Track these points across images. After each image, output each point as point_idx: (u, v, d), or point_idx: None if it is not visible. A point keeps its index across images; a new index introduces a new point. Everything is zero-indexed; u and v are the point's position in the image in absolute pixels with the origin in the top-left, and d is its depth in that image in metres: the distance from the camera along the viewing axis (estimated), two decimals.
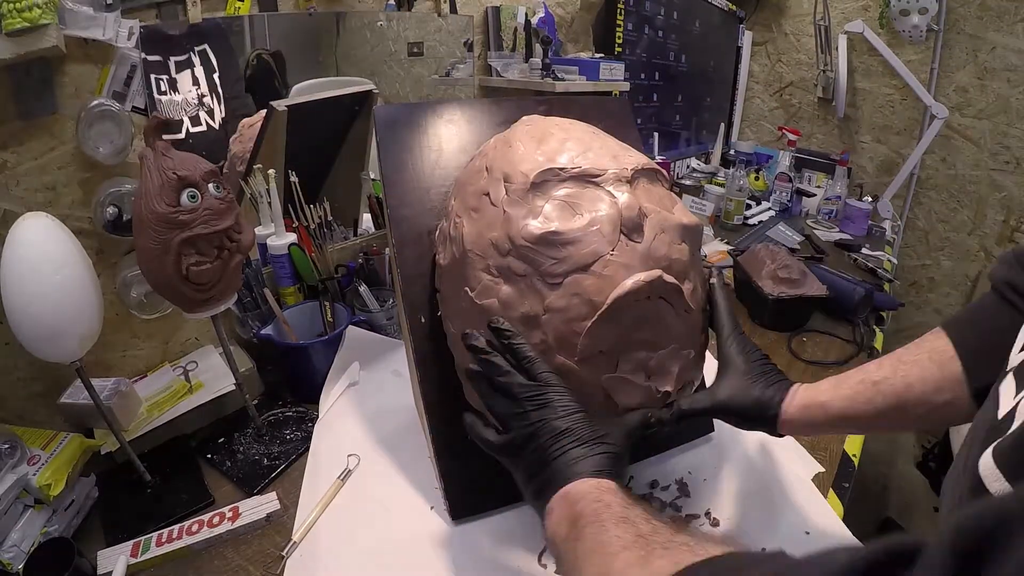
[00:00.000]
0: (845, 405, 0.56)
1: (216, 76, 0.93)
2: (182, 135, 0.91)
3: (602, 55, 1.54)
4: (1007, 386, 0.39)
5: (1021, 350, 0.40)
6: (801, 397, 0.58)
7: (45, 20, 0.66)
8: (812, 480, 0.73)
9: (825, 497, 0.71)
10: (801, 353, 1.06)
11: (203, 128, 0.94)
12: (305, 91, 1.08)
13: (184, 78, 0.89)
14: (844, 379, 0.57)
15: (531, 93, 1.33)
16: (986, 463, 0.33)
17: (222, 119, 0.97)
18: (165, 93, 0.87)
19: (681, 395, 0.62)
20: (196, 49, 0.90)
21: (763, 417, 0.58)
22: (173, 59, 0.87)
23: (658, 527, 0.40)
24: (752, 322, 1.16)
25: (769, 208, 1.95)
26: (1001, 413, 0.37)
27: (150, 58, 0.83)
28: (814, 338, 1.12)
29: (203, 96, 0.93)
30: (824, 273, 1.23)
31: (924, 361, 0.53)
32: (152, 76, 0.84)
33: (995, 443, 0.34)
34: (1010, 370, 0.40)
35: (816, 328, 1.14)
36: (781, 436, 0.60)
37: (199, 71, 0.91)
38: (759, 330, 1.14)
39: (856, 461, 0.79)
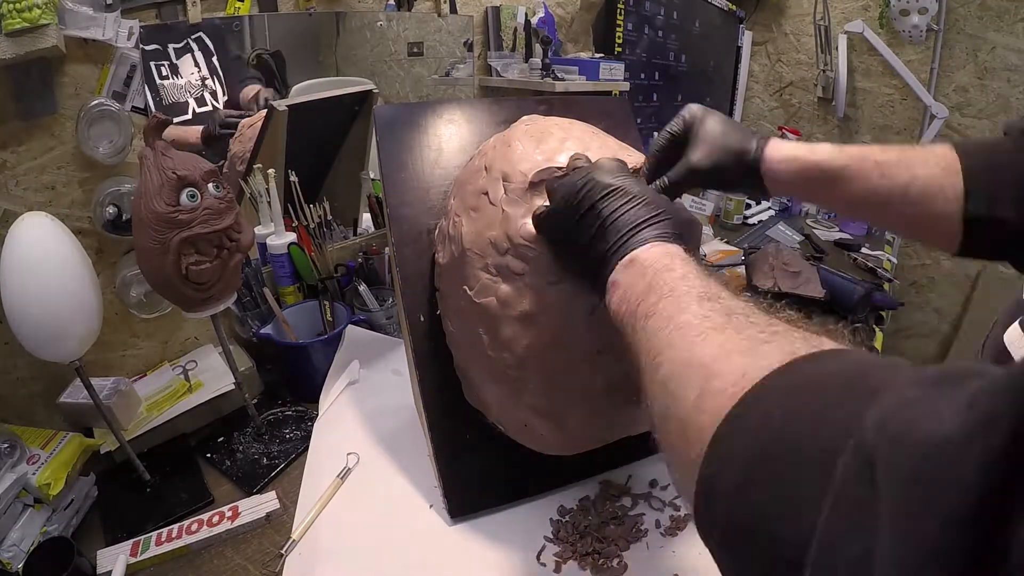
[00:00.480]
0: (841, 165, 0.51)
1: (215, 59, 0.95)
2: (189, 115, 0.93)
3: (602, 55, 1.54)
4: None
5: None
6: (788, 149, 0.53)
7: (45, 20, 0.67)
8: None
9: None
10: None
11: (208, 108, 0.96)
12: (305, 91, 1.08)
13: (185, 63, 0.91)
14: (844, 147, 0.53)
15: (531, 93, 1.33)
16: (1013, 333, 0.33)
17: (225, 100, 0.98)
18: (167, 78, 0.88)
19: None
20: (192, 37, 0.92)
21: (743, 166, 0.53)
22: (172, 46, 0.89)
23: (750, 307, 0.34)
24: None
25: (769, 208, 1.95)
26: None
27: (148, 47, 0.85)
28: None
29: (204, 78, 0.94)
30: (824, 272, 1.23)
31: (932, 162, 0.50)
32: (152, 63, 0.86)
33: (1021, 318, 0.34)
34: None
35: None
36: (767, 197, 0.54)
37: (199, 55, 0.93)
38: None
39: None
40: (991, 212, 0.47)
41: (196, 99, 0.94)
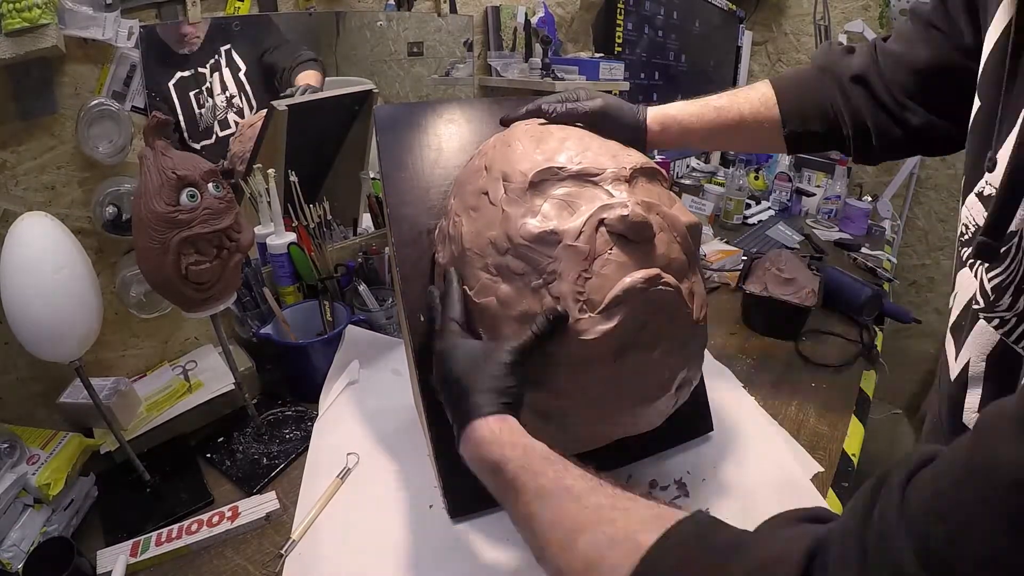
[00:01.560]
0: (692, 119, 0.71)
1: (242, 74, 0.94)
2: (212, 141, 0.93)
3: (602, 55, 1.54)
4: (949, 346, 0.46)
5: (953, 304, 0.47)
6: (654, 113, 0.71)
7: (45, 20, 0.67)
8: (811, 480, 0.73)
9: (824, 497, 0.71)
10: (803, 351, 1.05)
11: (232, 130, 0.96)
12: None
13: (215, 82, 0.90)
14: (689, 103, 0.72)
15: (531, 93, 1.33)
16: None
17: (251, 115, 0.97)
18: (204, 106, 0.88)
19: (681, 398, 0.62)
20: (223, 49, 0.90)
21: (633, 125, 0.69)
22: (208, 64, 0.88)
23: (600, 489, 0.39)
24: (743, 324, 1.15)
25: (769, 208, 1.95)
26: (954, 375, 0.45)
27: (184, 73, 0.84)
28: (813, 336, 1.11)
29: (232, 97, 0.93)
30: (832, 272, 1.22)
31: (755, 101, 0.70)
32: (190, 94, 0.85)
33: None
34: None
35: (817, 328, 1.13)
36: (641, 147, 0.68)
37: (226, 72, 0.92)
38: (754, 335, 1.12)
39: (856, 461, 0.79)
40: (804, 128, 0.68)
41: (220, 122, 0.93)
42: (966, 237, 0.46)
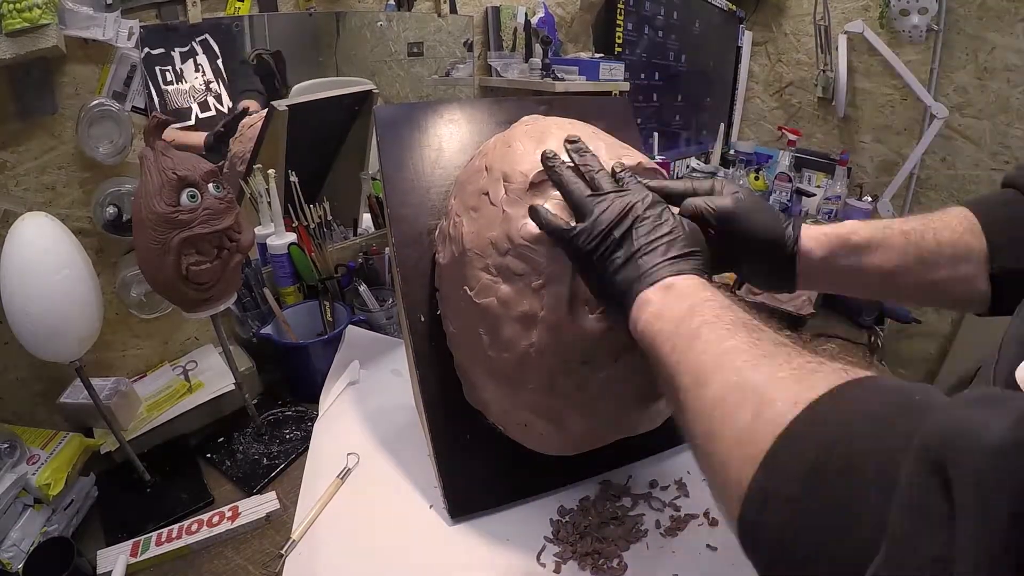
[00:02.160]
0: (868, 236, 0.52)
1: (219, 62, 0.95)
2: (192, 121, 0.93)
3: (602, 55, 1.54)
4: None
5: None
6: (812, 231, 0.53)
7: (45, 20, 0.67)
8: None
9: None
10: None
11: (212, 113, 0.96)
12: (305, 91, 1.08)
13: (188, 67, 0.91)
14: (866, 222, 0.54)
15: (531, 93, 1.33)
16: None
17: (230, 105, 0.98)
18: (171, 83, 0.88)
19: None
20: (197, 39, 0.91)
21: (779, 239, 0.52)
22: (177, 50, 0.89)
23: (794, 342, 0.36)
24: None
25: None
26: None
27: (154, 51, 0.85)
28: (816, 340, 1.10)
29: (209, 82, 0.94)
30: None
31: (953, 225, 0.52)
32: (157, 68, 0.86)
33: None
34: None
35: (819, 330, 1.13)
36: (794, 290, 0.54)
37: (202, 59, 0.93)
38: None
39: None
40: (1017, 265, 0.49)
41: (200, 104, 0.94)
42: None
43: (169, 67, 0.87)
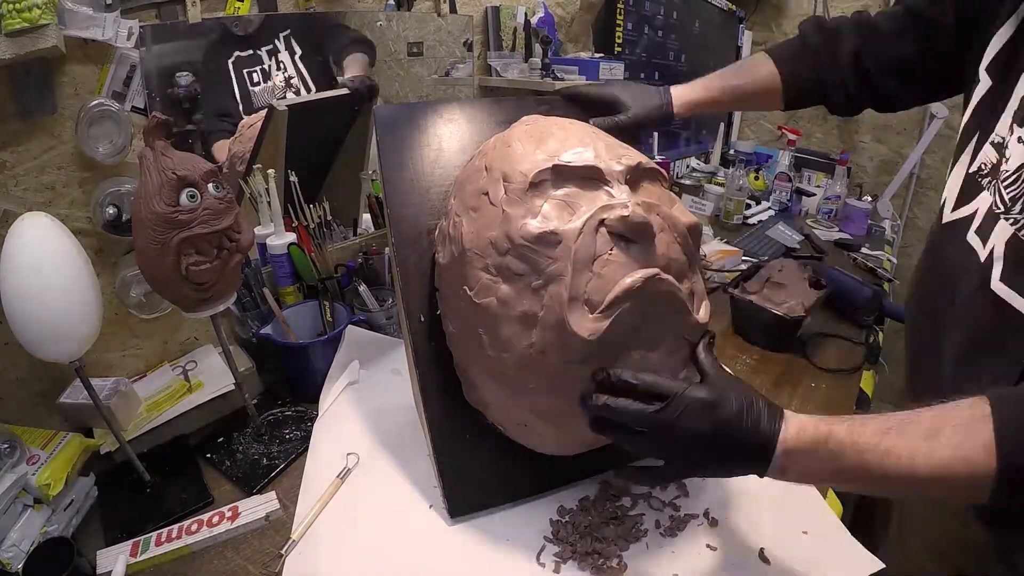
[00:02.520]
0: (710, 101, 0.87)
1: (298, 57, 0.99)
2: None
3: (602, 55, 1.54)
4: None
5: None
6: (680, 97, 0.85)
7: (45, 20, 0.67)
8: None
9: (824, 497, 0.71)
10: (811, 357, 1.03)
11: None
12: None
13: (272, 64, 0.95)
14: (708, 83, 0.89)
15: (531, 93, 1.33)
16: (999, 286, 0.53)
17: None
18: (258, 84, 0.92)
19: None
20: (281, 35, 0.96)
21: (658, 118, 0.82)
22: (264, 49, 0.93)
23: (909, 415, 0.47)
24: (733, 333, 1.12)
25: (769, 208, 1.95)
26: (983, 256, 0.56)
27: (243, 54, 0.89)
28: (816, 339, 1.10)
29: (290, 78, 0.98)
30: (833, 272, 1.21)
31: (763, 78, 0.84)
32: (245, 71, 0.90)
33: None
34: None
35: (819, 330, 1.12)
36: (669, 126, 0.80)
37: (284, 56, 0.97)
38: (746, 345, 1.08)
39: None
40: (801, 99, 0.84)
41: (279, 100, 0.97)
42: (986, 170, 0.58)
43: (258, 67, 0.92)
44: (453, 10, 1.27)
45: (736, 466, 0.51)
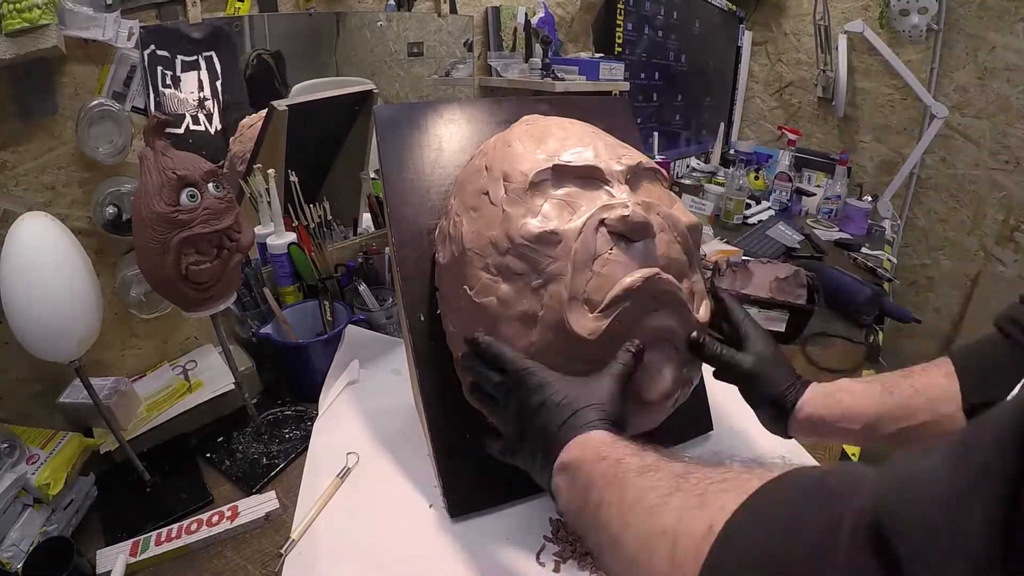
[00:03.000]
0: (857, 399, 0.56)
1: (219, 83, 0.95)
2: (181, 130, 0.92)
3: (602, 55, 1.54)
4: None
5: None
6: (815, 406, 0.57)
7: (45, 20, 0.67)
8: None
9: None
10: (811, 356, 1.03)
11: (201, 128, 0.95)
12: (305, 91, 1.08)
13: (189, 79, 0.91)
14: (854, 380, 0.59)
15: (531, 93, 1.33)
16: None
17: (219, 127, 0.98)
18: (168, 87, 0.88)
19: (681, 397, 0.62)
20: (204, 55, 0.91)
21: (778, 401, 0.58)
22: (181, 58, 0.89)
23: (695, 465, 0.35)
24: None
25: (769, 207, 1.95)
26: None
27: (159, 52, 0.85)
28: (816, 339, 1.10)
29: (204, 99, 0.94)
30: (833, 272, 1.22)
31: (932, 372, 0.55)
32: (159, 68, 0.86)
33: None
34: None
35: (820, 330, 1.12)
36: (788, 437, 0.59)
37: (204, 75, 0.93)
38: None
39: (856, 461, 0.79)
40: (987, 397, 0.50)
41: (192, 117, 0.93)
42: None
43: (170, 72, 0.88)
44: (453, 10, 1.27)
45: (534, 463, 0.47)
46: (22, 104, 0.73)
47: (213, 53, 0.92)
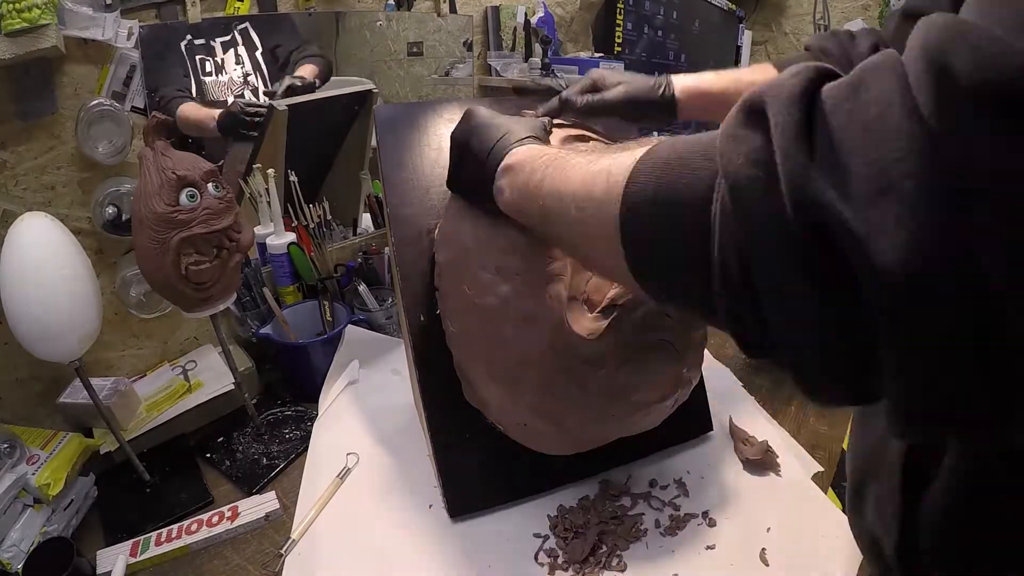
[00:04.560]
0: (721, 92, 0.71)
1: (258, 54, 0.96)
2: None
3: (602, 55, 1.54)
4: None
5: None
6: (683, 82, 0.73)
7: (44, 20, 0.67)
8: (811, 479, 0.73)
9: (825, 493, 0.70)
10: None
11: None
12: None
13: (229, 58, 0.92)
14: (719, 76, 0.74)
15: (530, 93, 1.33)
16: None
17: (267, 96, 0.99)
18: (210, 75, 0.90)
19: (681, 397, 0.63)
20: (238, 28, 0.92)
21: (657, 101, 0.71)
22: (219, 40, 0.90)
23: (600, 146, 0.46)
24: None
25: None
26: None
27: (196, 41, 0.86)
28: None
29: (247, 74, 0.95)
30: None
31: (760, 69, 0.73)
32: (198, 58, 0.87)
33: None
34: None
35: None
36: (674, 119, 0.72)
37: (242, 50, 0.94)
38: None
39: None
40: None
41: (237, 97, 0.95)
42: None
43: (211, 58, 0.89)
44: (453, 10, 1.27)
45: (475, 177, 0.54)
46: (22, 104, 0.73)
47: (248, 24, 0.93)
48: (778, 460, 0.74)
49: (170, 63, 0.87)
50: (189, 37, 0.85)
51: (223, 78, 0.90)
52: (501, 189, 0.50)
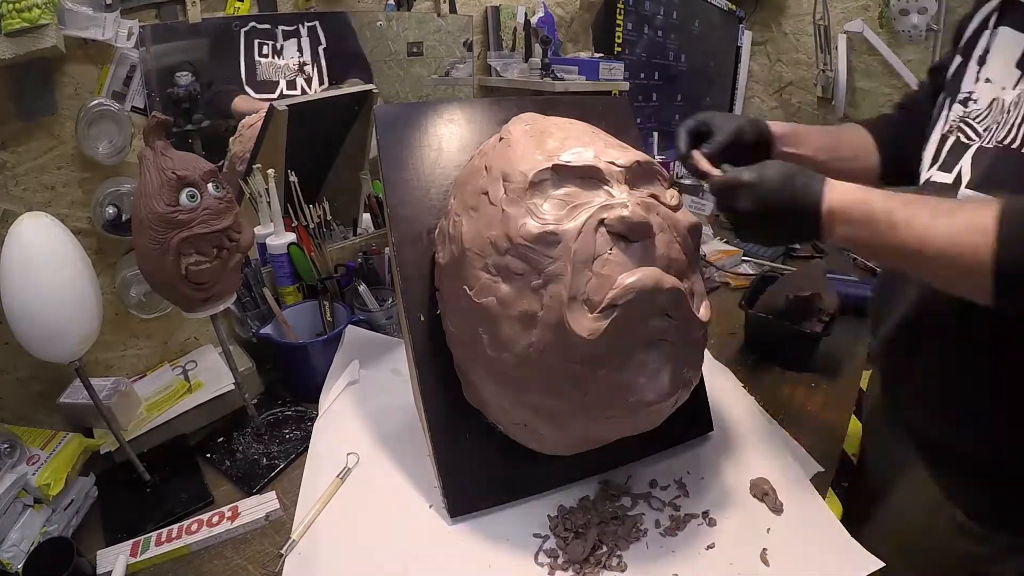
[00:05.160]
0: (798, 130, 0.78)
1: (322, 49, 1.01)
2: (275, 95, 0.98)
3: (602, 55, 1.54)
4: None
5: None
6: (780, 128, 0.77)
7: (45, 20, 0.67)
8: (811, 480, 0.73)
9: (824, 497, 0.71)
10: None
11: (296, 92, 1.01)
12: None
13: (290, 46, 0.97)
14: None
15: (530, 93, 1.33)
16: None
17: (322, 88, 1.04)
18: (266, 56, 0.94)
19: (681, 397, 0.62)
20: (307, 24, 0.98)
21: (749, 124, 0.73)
22: (282, 27, 0.94)
23: (931, 198, 0.53)
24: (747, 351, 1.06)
25: None
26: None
27: (258, 26, 0.90)
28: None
29: (304, 64, 1.00)
30: (839, 282, 1.19)
31: (856, 130, 0.84)
32: (256, 40, 0.91)
33: None
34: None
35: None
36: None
37: (304, 42, 0.99)
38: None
39: (855, 461, 0.79)
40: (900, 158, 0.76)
41: (288, 82, 0.99)
42: (956, 123, 0.62)
43: (270, 41, 0.93)
44: (453, 10, 1.27)
45: (791, 232, 0.59)
46: (22, 104, 0.73)
47: (317, 22, 0.98)
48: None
49: (227, 54, 0.91)
50: (252, 24, 0.90)
51: (279, 61, 0.95)
52: (830, 230, 0.55)
